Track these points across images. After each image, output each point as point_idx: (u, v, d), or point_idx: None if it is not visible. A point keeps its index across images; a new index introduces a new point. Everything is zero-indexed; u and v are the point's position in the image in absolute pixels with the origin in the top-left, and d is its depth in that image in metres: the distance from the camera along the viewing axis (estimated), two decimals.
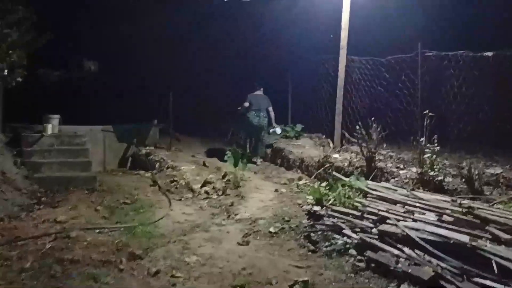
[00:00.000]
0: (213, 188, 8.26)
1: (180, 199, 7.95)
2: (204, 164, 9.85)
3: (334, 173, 7.60)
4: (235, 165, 8.31)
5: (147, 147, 10.97)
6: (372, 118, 7.92)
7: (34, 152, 8.47)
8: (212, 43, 13.76)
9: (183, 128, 12.13)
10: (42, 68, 16.27)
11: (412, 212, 5.73)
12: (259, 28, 13.19)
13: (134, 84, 13.54)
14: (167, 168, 9.67)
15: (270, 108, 10.59)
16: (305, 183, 8.64)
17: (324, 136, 10.67)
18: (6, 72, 7.85)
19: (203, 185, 8.40)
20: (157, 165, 10.00)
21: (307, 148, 10.04)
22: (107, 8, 14.00)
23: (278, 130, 10.85)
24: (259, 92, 10.67)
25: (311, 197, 7.25)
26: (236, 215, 6.85)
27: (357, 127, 7.98)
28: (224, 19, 13.43)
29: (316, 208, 6.68)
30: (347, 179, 7.13)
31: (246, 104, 10.40)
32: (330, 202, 6.67)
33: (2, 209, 6.70)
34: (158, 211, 7.15)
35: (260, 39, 13.22)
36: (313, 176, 8.89)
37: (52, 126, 8.87)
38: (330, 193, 6.92)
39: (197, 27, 13.74)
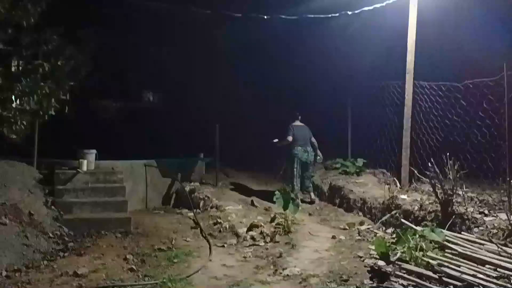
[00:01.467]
0: (261, 233, 7.23)
1: (223, 246, 6.96)
2: (252, 204, 8.87)
3: (402, 220, 6.34)
4: (285, 207, 7.24)
5: (192, 183, 10.11)
6: (447, 154, 6.64)
7: (66, 190, 7.80)
8: (262, 69, 12.91)
9: (232, 162, 11.23)
10: (99, 100, 16.40)
11: (509, 278, 4.44)
12: (313, 51, 12.19)
13: (181, 116, 12.97)
14: (211, 207, 8.75)
15: (313, 139, 9.46)
16: (368, 228, 7.43)
17: (389, 173, 9.37)
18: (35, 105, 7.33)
19: (249, 229, 7.40)
20: (201, 204, 9.10)
21: (370, 187, 8.79)
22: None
23: (319, 159, 9.70)
24: (300, 122, 9.52)
25: (374, 248, 6.10)
26: (284, 269, 5.75)
27: (429, 164, 6.75)
28: (275, 42, 12.60)
29: (381, 263, 5.49)
30: (418, 228, 5.88)
31: (290, 138, 9.19)
32: (398, 256, 5.46)
33: (22, 257, 6.01)
34: (195, 262, 6.20)
35: (314, 63, 12.18)
36: (377, 221, 7.66)
37: (88, 162, 8.20)
38: (398, 245, 5.70)
39: (246, 52, 12.98)
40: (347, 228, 7.60)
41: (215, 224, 7.92)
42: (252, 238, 7.15)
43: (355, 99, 10.64)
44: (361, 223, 7.68)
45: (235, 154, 11.11)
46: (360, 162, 9.81)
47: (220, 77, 13.43)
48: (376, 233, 7.13)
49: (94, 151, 8.43)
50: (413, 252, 5.32)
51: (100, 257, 6.19)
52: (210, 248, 6.78)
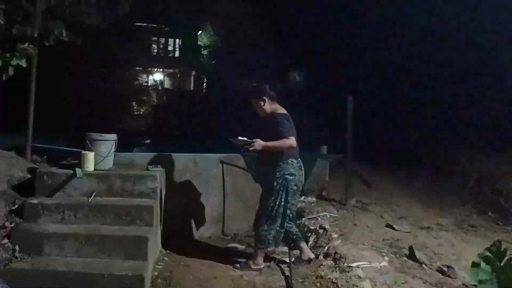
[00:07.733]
0: None
1: None
2: (412, 257, 4.26)
3: None
4: None
5: (304, 197, 5.83)
6: None
7: (45, 209, 4.02)
8: None
9: (377, 162, 6.68)
10: None
11: None
12: None
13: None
14: (327, 255, 4.40)
15: None
16: None
17: None
18: None
19: None
20: (310, 241, 4.81)
21: None
22: None
23: None
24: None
25: None
26: None
27: None
28: None
29: None
30: None
31: (293, 140, 4.09)
32: None
33: None
34: None
35: None
36: None
37: (97, 154, 4.31)
38: None
39: None
40: None
41: None
42: None
43: None
44: None
45: (384, 150, 6.56)
46: None
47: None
48: None
49: (113, 136, 4.50)
50: None
51: None
52: None
